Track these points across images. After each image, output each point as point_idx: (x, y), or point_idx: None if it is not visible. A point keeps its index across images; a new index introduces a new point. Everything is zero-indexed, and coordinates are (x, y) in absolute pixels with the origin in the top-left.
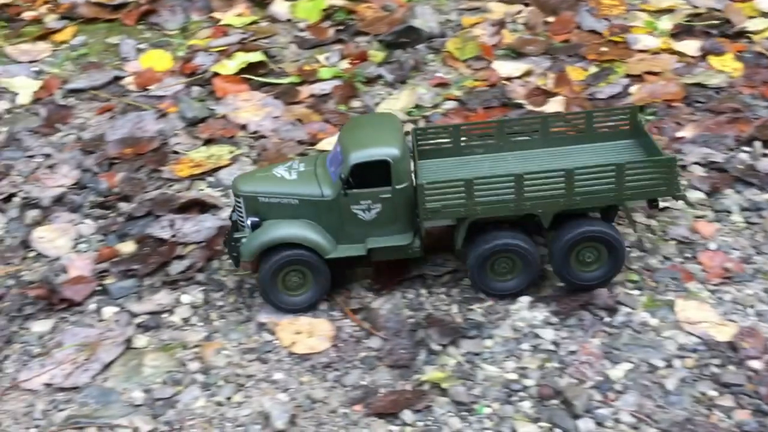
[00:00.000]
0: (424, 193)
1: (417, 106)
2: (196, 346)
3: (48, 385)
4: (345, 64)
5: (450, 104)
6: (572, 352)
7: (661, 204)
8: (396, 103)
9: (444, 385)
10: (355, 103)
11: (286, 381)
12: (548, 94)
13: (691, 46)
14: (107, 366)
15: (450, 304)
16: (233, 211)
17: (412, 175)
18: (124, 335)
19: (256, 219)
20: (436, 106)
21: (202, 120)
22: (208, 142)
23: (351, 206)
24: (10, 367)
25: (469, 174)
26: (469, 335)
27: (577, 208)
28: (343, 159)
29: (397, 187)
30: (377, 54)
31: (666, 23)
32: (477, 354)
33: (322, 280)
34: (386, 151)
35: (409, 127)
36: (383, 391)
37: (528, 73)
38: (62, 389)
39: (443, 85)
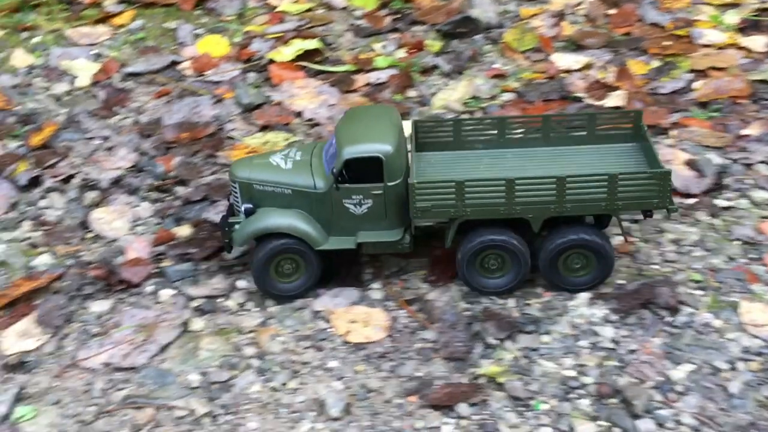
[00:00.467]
0: (414, 192)
1: (474, 98)
2: (251, 331)
3: (107, 364)
4: (401, 54)
5: (507, 96)
6: (632, 351)
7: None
8: (452, 93)
9: (500, 380)
10: (411, 93)
11: (341, 369)
12: (608, 88)
13: (758, 42)
14: (164, 348)
15: (507, 298)
16: (230, 195)
17: (408, 171)
18: (181, 318)
19: (250, 206)
20: (493, 97)
21: (258, 106)
22: (263, 128)
23: (343, 200)
24: (70, 346)
25: (465, 169)
26: (526, 330)
27: (568, 216)
28: (337, 153)
29: (389, 183)
30: (434, 44)
31: (732, 17)
32: (534, 349)
33: (313, 269)
34: (379, 147)
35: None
36: (438, 383)
37: (588, 66)
38: (120, 369)
39: (500, 76)
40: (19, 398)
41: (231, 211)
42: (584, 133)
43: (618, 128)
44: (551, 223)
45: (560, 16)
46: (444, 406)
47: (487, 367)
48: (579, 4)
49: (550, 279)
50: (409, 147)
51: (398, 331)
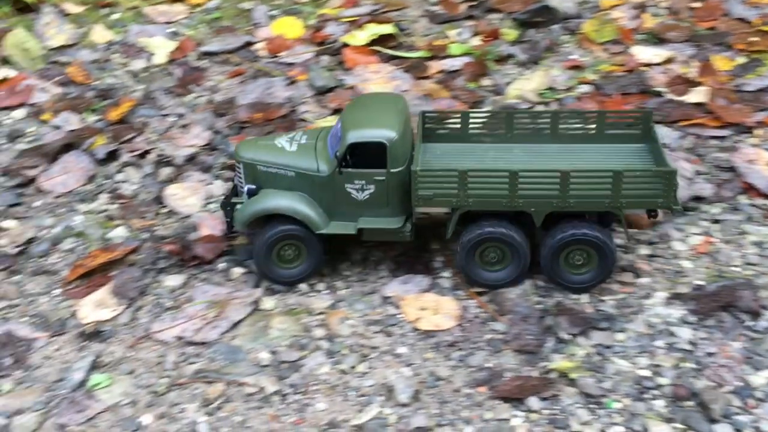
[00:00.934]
0: (417, 179)
1: (550, 88)
2: (321, 313)
3: (179, 338)
4: (476, 41)
5: (584, 88)
6: (710, 354)
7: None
8: (528, 83)
9: (572, 376)
10: (485, 82)
11: (410, 356)
12: (691, 84)
13: None
14: (235, 325)
15: (580, 293)
16: (234, 176)
17: (412, 159)
18: (253, 296)
19: (253, 187)
20: (569, 89)
21: (331, 89)
22: (336, 111)
23: (345, 185)
24: (143, 318)
25: (470, 162)
26: (599, 327)
27: (571, 211)
28: (341, 137)
29: (392, 170)
30: (510, 32)
31: None
32: (608, 347)
33: (315, 254)
34: (384, 133)
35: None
36: (509, 375)
37: (669, 60)
38: (192, 343)
39: (578, 67)
40: (95, 366)
41: (234, 191)
42: (593, 131)
43: (628, 128)
44: (553, 219)
45: (641, 7)
46: (514, 398)
47: (559, 362)
48: None
49: (551, 275)
50: (415, 136)
51: (468, 320)
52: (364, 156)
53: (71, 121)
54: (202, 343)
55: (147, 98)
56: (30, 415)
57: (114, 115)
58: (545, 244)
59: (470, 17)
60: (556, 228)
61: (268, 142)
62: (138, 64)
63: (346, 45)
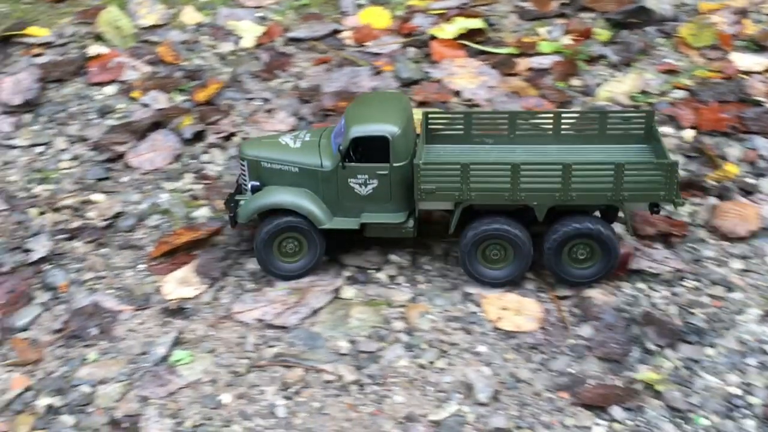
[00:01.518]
0: (420, 173)
1: (643, 92)
2: (401, 305)
3: (259, 320)
4: (567, 40)
5: (679, 93)
6: None
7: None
8: (619, 86)
9: (658, 388)
10: (575, 82)
11: (490, 355)
12: None
13: None
14: (315, 311)
15: (669, 304)
16: (239, 175)
17: (415, 155)
18: (333, 285)
19: (257, 183)
20: (663, 93)
21: (416, 82)
22: (421, 104)
23: (348, 179)
24: (225, 298)
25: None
26: (688, 340)
27: (573, 205)
28: (345, 132)
29: (395, 164)
30: (602, 32)
31: None
32: (696, 361)
33: (316, 249)
34: (387, 128)
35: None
36: (592, 383)
37: None
38: (272, 326)
39: (672, 72)
40: (177, 342)
41: (238, 189)
42: (595, 132)
43: (630, 128)
44: (555, 215)
45: (743, 13)
46: (597, 406)
47: (645, 373)
48: (764, 1)
49: (553, 270)
50: (418, 136)
51: (551, 323)
52: (368, 150)
53: (160, 100)
54: (282, 327)
55: (234, 81)
56: (114, 385)
57: (201, 96)
58: (548, 239)
59: (561, 15)
60: (558, 222)
61: (272, 139)
62: (226, 47)
63: (433, 38)
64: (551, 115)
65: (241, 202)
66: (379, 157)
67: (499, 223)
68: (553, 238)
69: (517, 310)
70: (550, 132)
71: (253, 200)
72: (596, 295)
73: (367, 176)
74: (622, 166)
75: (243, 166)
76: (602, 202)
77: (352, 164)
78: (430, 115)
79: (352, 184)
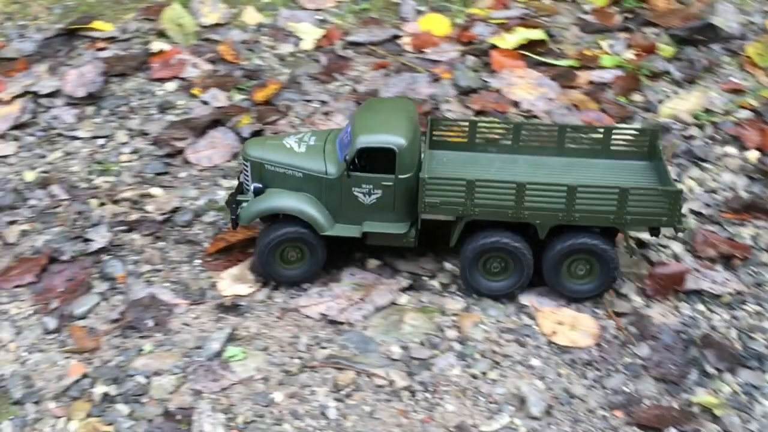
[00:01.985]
0: (425, 186)
1: (706, 110)
2: (454, 314)
3: (323, 315)
4: (629, 55)
5: (743, 113)
6: None
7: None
8: (683, 103)
9: (716, 412)
10: (637, 97)
11: (543, 369)
12: None
13: None
14: (379, 309)
15: (729, 327)
16: (240, 173)
17: (420, 166)
18: (399, 284)
19: (260, 185)
20: (727, 113)
21: (475, 90)
22: (478, 113)
23: (352, 188)
24: (278, 297)
25: (476, 170)
26: (748, 365)
27: (575, 225)
28: (351, 141)
29: (400, 176)
30: (666, 48)
31: None
32: (756, 387)
33: (318, 256)
34: (393, 139)
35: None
36: (647, 403)
37: None
38: (335, 322)
39: (738, 91)
40: (231, 338)
41: (240, 189)
42: (599, 146)
43: (634, 145)
44: (557, 230)
45: None
46: (652, 427)
47: (703, 396)
48: None
49: (553, 285)
50: (423, 143)
51: (607, 340)
52: (373, 161)
53: (219, 98)
54: (344, 323)
55: (292, 82)
56: (168, 378)
57: (260, 96)
58: (549, 253)
59: (625, 29)
60: (558, 237)
61: (277, 141)
62: (285, 48)
63: (493, 47)
64: (555, 128)
65: (243, 204)
66: (385, 168)
67: (500, 236)
68: (554, 252)
69: (572, 325)
70: (554, 144)
71: (256, 203)
72: (654, 314)
73: (371, 186)
74: (626, 191)
75: (245, 166)
76: (605, 224)
77: (357, 174)
78: (434, 122)
79: (356, 193)
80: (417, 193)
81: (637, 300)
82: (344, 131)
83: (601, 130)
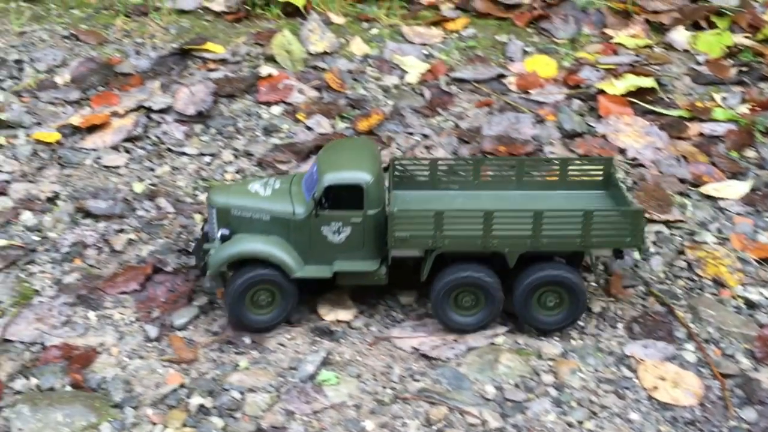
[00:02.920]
0: (394, 221)
1: None
2: (551, 359)
3: (416, 349)
4: (744, 109)
5: None
6: None
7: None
8: None
9: None
10: (750, 153)
11: (642, 424)
12: None
13: None
14: (470, 350)
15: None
16: (205, 222)
17: (386, 202)
18: (494, 332)
19: (227, 232)
20: None
21: (579, 134)
22: (583, 158)
23: (321, 227)
24: (374, 326)
25: (440, 207)
26: None
27: (543, 251)
28: (318, 179)
29: (369, 212)
30: None
31: None
32: None
33: (289, 299)
34: (360, 175)
35: None
36: None
37: None
38: (427, 357)
39: None
40: (325, 362)
41: (205, 237)
42: (557, 179)
43: (590, 175)
44: (525, 262)
45: None
46: None
47: None
48: None
49: (523, 316)
50: (386, 183)
51: (711, 401)
52: (341, 198)
53: (323, 125)
54: (435, 359)
55: (395, 114)
56: (262, 395)
57: (363, 125)
58: (519, 285)
59: (740, 83)
60: (527, 270)
61: (241, 187)
62: (390, 80)
63: (601, 92)
64: (514, 163)
65: (211, 251)
66: (353, 204)
67: (470, 270)
68: (526, 283)
69: (675, 382)
70: (513, 178)
71: (224, 249)
72: (763, 378)
73: (340, 224)
74: (590, 213)
75: (211, 213)
76: (572, 248)
77: (326, 212)
78: (396, 162)
79: (324, 233)
80: (386, 229)
81: (745, 362)
82: (309, 172)
83: (557, 162)
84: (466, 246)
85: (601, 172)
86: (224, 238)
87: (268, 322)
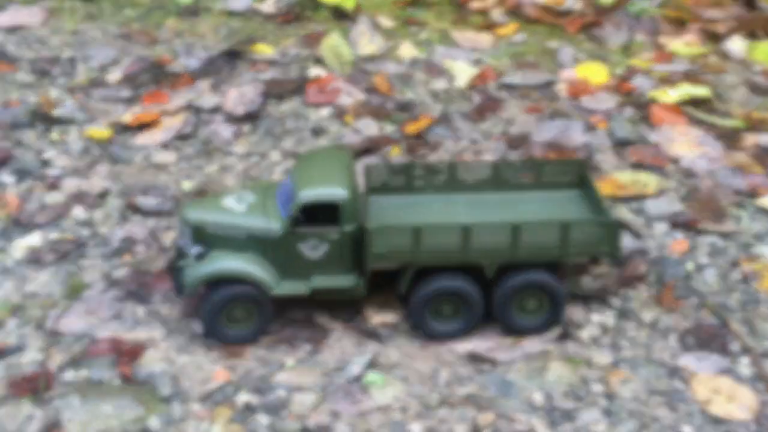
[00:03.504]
0: (371, 237)
1: None
2: (600, 368)
3: (471, 351)
4: None
5: None
6: None
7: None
8: None
9: None
10: None
11: None
12: None
13: None
14: (528, 356)
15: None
16: (178, 237)
17: (362, 216)
18: (551, 335)
19: (201, 249)
20: None
21: (631, 143)
22: (635, 166)
23: (298, 243)
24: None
25: (417, 213)
26: None
27: (521, 262)
28: (294, 196)
29: (345, 228)
30: None
31: None
32: None
33: (265, 315)
34: (337, 191)
35: None
36: None
37: None
38: (482, 359)
39: None
40: (372, 364)
41: (179, 254)
42: (533, 180)
43: (564, 176)
44: (504, 270)
45: None
46: None
47: None
48: None
49: (502, 319)
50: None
51: (767, 416)
52: (317, 214)
53: (371, 127)
54: (487, 361)
55: (444, 119)
56: (308, 395)
57: (411, 129)
58: (500, 289)
59: None
60: (507, 275)
61: (215, 202)
62: (439, 85)
63: (653, 100)
64: (489, 165)
65: (187, 270)
66: (329, 220)
67: (448, 280)
68: (506, 287)
69: (730, 396)
70: (489, 181)
71: (200, 267)
72: None
73: (317, 240)
74: (568, 224)
75: (184, 230)
76: (550, 259)
77: (302, 229)
78: (370, 168)
79: (301, 249)
80: (363, 243)
81: None
82: (283, 185)
83: (532, 164)
84: (445, 259)
85: (575, 172)
86: (199, 256)
87: (245, 337)
